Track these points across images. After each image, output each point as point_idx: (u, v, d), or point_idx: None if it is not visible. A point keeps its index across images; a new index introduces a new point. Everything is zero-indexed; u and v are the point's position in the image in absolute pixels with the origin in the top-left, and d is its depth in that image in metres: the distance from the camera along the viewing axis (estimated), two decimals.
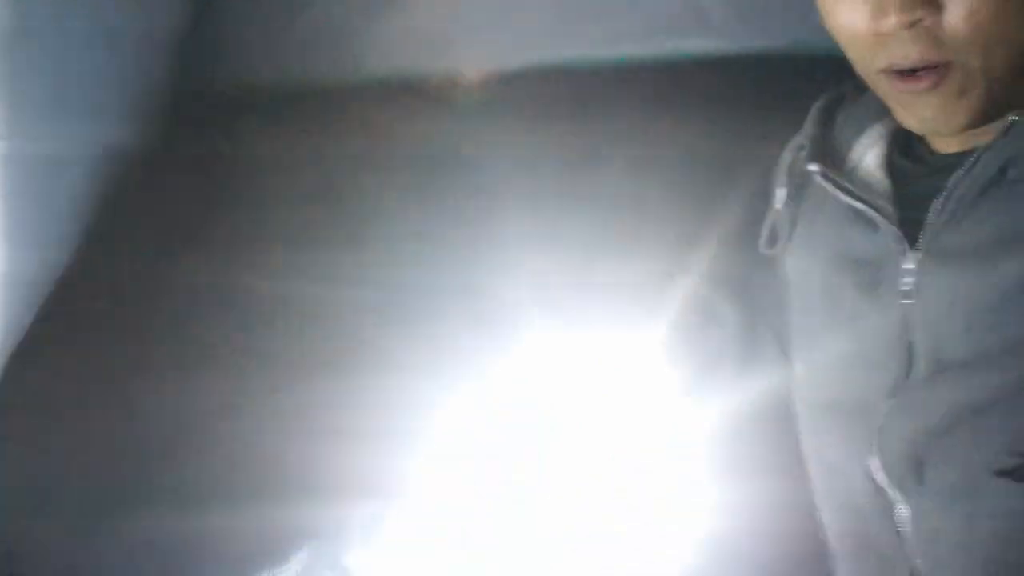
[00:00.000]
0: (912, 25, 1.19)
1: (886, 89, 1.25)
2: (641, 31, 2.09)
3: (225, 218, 1.86)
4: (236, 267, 1.74)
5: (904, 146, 1.34)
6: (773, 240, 1.43)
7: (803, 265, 1.40)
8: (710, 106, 2.01)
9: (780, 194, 1.42)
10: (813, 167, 1.35)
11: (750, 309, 1.50)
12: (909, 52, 1.20)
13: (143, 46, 1.85)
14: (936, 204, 1.24)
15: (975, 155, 1.22)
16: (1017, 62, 1.20)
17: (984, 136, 1.23)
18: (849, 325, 1.31)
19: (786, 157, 1.44)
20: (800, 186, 1.41)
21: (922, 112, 1.23)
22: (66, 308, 1.72)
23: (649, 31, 2.09)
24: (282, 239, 1.78)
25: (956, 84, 1.20)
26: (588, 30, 2.09)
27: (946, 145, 1.29)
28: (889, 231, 1.27)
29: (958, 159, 1.25)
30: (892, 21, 1.19)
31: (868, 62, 1.24)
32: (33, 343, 1.70)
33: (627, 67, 2.10)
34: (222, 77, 2.06)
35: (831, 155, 1.37)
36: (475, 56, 2.08)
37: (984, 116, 1.23)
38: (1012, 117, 1.21)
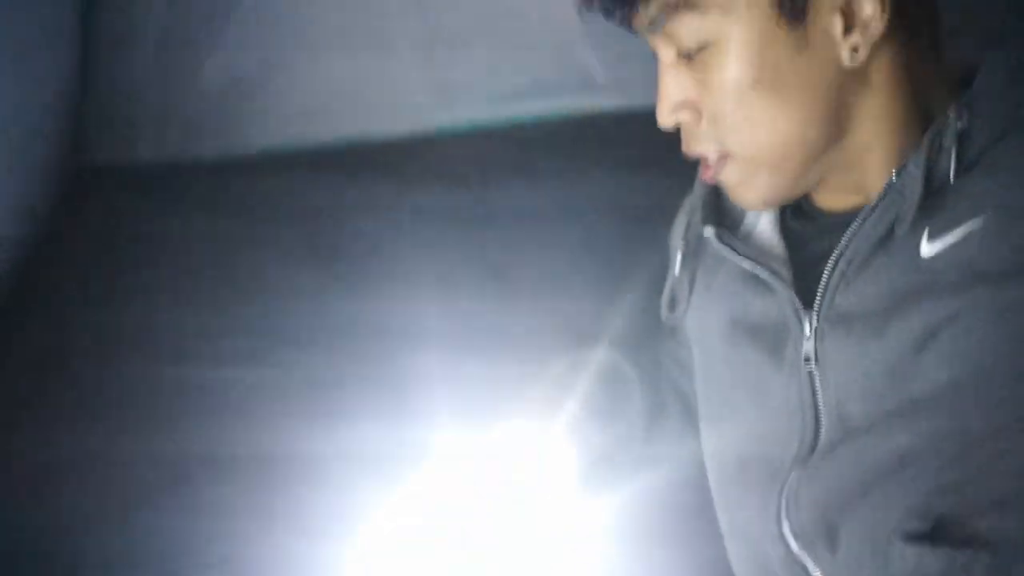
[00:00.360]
0: (675, 126, 1.27)
1: None
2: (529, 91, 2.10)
3: (115, 296, 1.83)
4: (127, 349, 1.71)
5: (795, 206, 1.35)
6: (673, 305, 1.44)
7: (703, 330, 1.40)
8: (607, 166, 2.02)
9: (676, 258, 1.43)
10: (708, 231, 1.35)
11: (657, 376, 1.50)
12: (688, 145, 1.28)
13: (26, 127, 1.82)
14: (828, 266, 1.25)
15: (861, 215, 1.23)
16: (789, 149, 1.24)
17: (865, 191, 1.25)
18: (753, 390, 1.31)
19: (680, 220, 1.45)
20: (696, 249, 1.42)
21: (733, 195, 1.30)
22: None
23: (535, 90, 2.11)
24: (173, 319, 1.76)
25: (736, 174, 1.27)
26: (475, 92, 2.10)
27: (831, 203, 1.31)
28: (785, 295, 1.28)
29: (846, 217, 1.25)
30: (660, 120, 1.27)
31: None
32: None
33: (516, 127, 2.12)
34: (108, 155, 2.04)
35: (726, 217, 1.38)
36: (357, 124, 2.08)
37: (793, 193, 1.28)
38: (893, 176, 1.22)
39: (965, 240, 1.17)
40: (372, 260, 1.85)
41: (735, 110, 1.23)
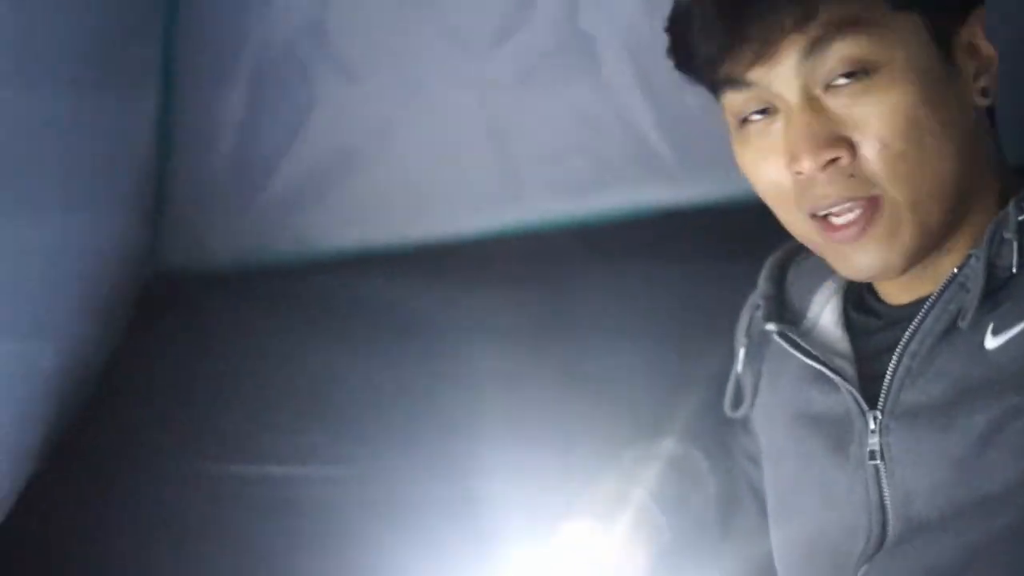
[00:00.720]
0: (826, 166, 1.19)
1: (818, 241, 1.25)
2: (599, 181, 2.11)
3: (195, 399, 1.85)
4: (209, 448, 1.72)
5: (858, 298, 1.35)
6: (737, 403, 1.43)
7: (770, 425, 1.39)
8: (675, 259, 2.02)
9: (739, 355, 1.42)
10: (770, 327, 1.35)
11: (730, 468, 1.49)
12: (829, 192, 1.20)
13: (104, 232, 1.86)
14: (892, 361, 1.23)
15: (924, 308, 1.22)
16: (944, 192, 1.20)
17: (931, 283, 1.23)
18: (820, 486, 1.29)
19: (744, 316, 1.44)
20: (760, 345, 1.41)
21: (857, 260, 1.23)
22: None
23: (605, 180, 2.12)
24: (251, 419, 1.77)
25: (885, 224, 1.20)
26: (544, 184, 2.11)
27: (895, 295, 1.29)
28: (848, 392, 1.27)
29: (910, 310, 1.24)
30: (807, 163, 1.19)
31: (795, 215, 1.24)
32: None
33: (586, 221, 2.12)
34: (183, 259, 2.07)
35: (788, 312, 1.37)
36: (429, 223, 2.09)
37: (920, 256, 1.23)
38: (953, 270, 1.21)
39: None
40: (442, 359, 1.84)
41: (902, 138, 1.17)
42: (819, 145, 1.18)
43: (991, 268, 1.19)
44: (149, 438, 1.75)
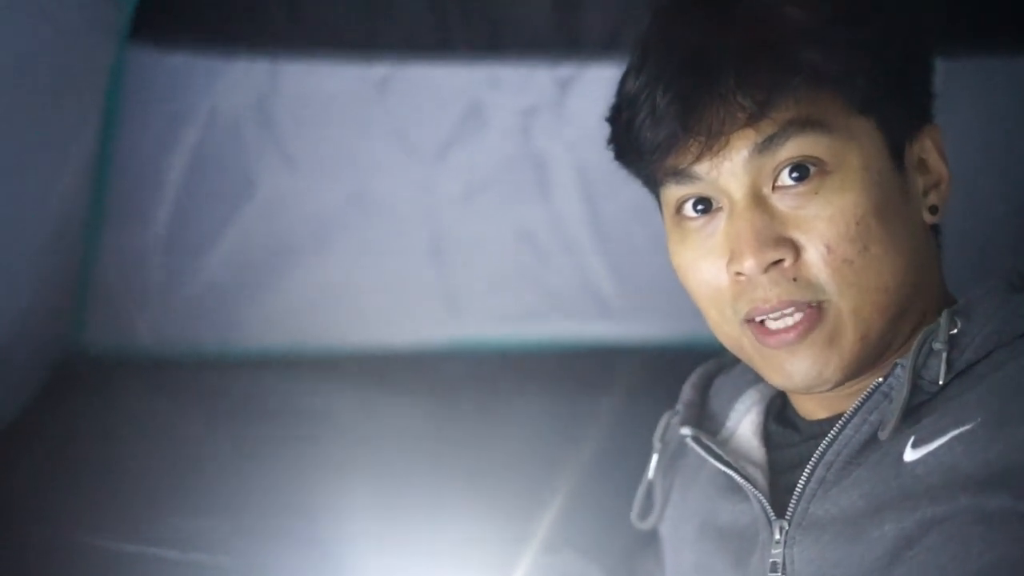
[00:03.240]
0: (768, 268, 1.15)
1: (752, 347, 1.20)
2: (539, 311, 2.08)
3: (88, 477, 1.78)
4: (91, 524, 1.65)
5: (779, 412, 1.30)
6: (645, 512, 1.37)
7: (676, 538, 1.34)
8: (608, 395, 1.98)
9: (652, 461, 1.36)
10: (686, 431, 1.29)
11: None
12: (769, 295, 1.16)
13: (24, 299, 1.80)
14: (806, 470, 1.18)
15: (845, 416, 1.17)
16: (887, 303, 1.16)
17: (854, 399, 1.18)
18: None
19: (661, 422, 1.39)
20: (675, 454, 1.36)
21: (792, 368, 1.18)
22: None
23: (546, 311, 2.09)
24: (138, 501, 1.70)
25: (825, 332, 1.16)
26: (485, 307, 2.08)
27: (816, 411, 1.25)
28: (756, 500, 1.21)
29: (829, 424, 1.20)
30: (749, 264, 1.15)
31: (728, 318, 1.19)
32: None
33: (522, 349, 2.09)
34: (103, 342, 2.02)
35: (707, 421, 1.32)
36: (362, 332, 2.05)
37: (856, 370, 1.18)
38: (877, 380, 1.16)
39: (949, 445, 1.11)
40: (350, 466, 1.80)
41: (849, 244, 1.14)
42: (763, 245, 1.15)
43: (917, 380, 1.15)
44: (36, 508, 1.67)
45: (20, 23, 1.56)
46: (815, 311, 1.15)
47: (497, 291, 2.08)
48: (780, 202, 1.16)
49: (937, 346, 1.14)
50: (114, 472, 1.79)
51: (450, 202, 2.02)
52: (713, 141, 1.15)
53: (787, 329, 1.16)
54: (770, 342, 1.17)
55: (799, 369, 1.17)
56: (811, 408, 1.25)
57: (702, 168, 1.17)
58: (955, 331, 1.15)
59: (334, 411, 1.97)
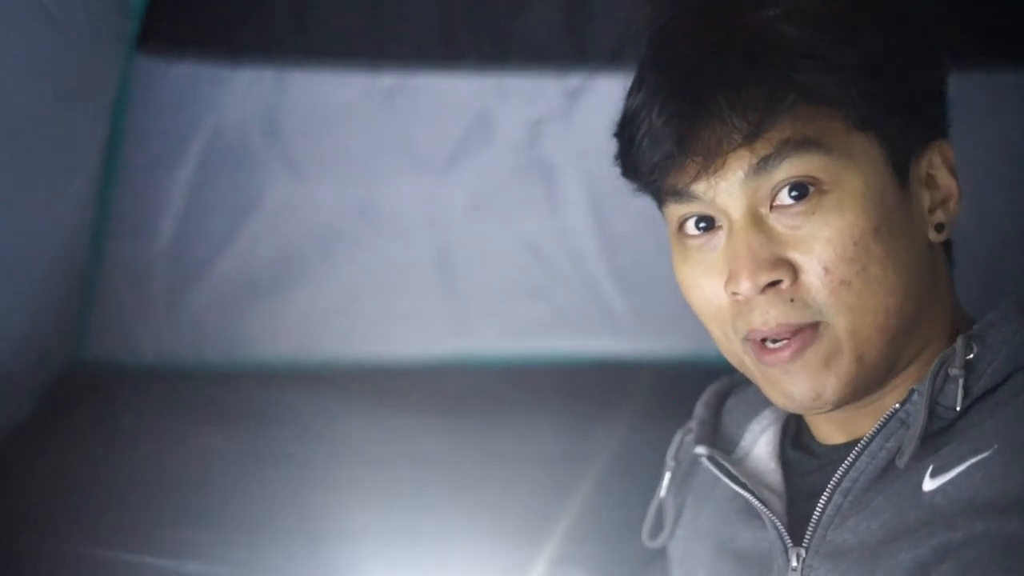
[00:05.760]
0: (766, 289, 1.14)
1: (753, 365, 1.18)
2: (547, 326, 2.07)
3: (88, 486, 1.77)
4: (87, 533, 1.64)
5: (795, 436, 1.28)
6: (656, 531, 1.35)
7: (688, 558, 1.31)
8: (614, 411, 1.97)
9: (664, 479, 1.35)
10: (700, 450, 1.27)
11: None
12: (767, 317, 1.14)
13: (25, 324, 1.79)
14: (823, 498, 1.17)
15: (861, 444, 1.15)
16: (887, 325, 1.14)
17: (870, 423, 1.17)
18: None
19: (675, 440, 1.37)
20: (688, 473, 1.34)
21: (789, 388, 1.16)
22: None
23: (554, 325, 2.07)
24: (138, 511, 1.69)
25: (821, 351, 1.14)
26: (491, 320, 2.07)
27: (832, 435, 1.23)
28: (773, 526, 1.19)
29: (847, 450, 1.18)
30: (745, 285, 1.13)
31: (731, 337, 1.18)
32: None
33: (530, 364, 2.08)
34: (107, 352, 2.01)
35: (721, 439, 1.30)
36: (367, 344, 2.04)
37: (856, 392, 1.16)
38: (894, 406, 1.15)
39: (967, 473, 1.09)
40: (348, 479, 1.78)
41: (847, 265, 1.12)
42: (759, 267, 1.13)
43: (933, 406, 1.13)
44: (37, 518, 1.66)
45: (30, 31, 1.55)
46: (811, 331, 1.14)
47: (504, 304, 2.07)
48: (778, 222, 1.14)
49: (954, 372, 1.13)
50: (116, 482, 1.78)
51: (457, 213, 2.01)
52: (709, 161, 1.14)
53: (782, 348, 1.15)
54: (767, 360, 1.16)
55: (795, 389, 1.16)
56: (827, 432, 1.24)
57: (699, 188, 1.16)
58: (971, 356, 1.13)
59: (338, 423, 1.96)
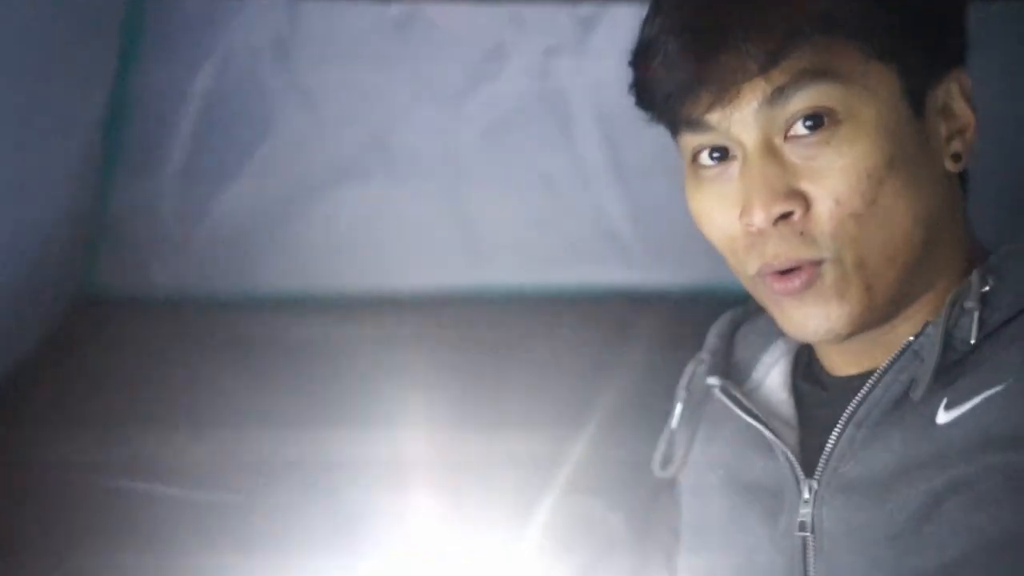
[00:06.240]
0: (778, 221, 1.13)
1: (766, 295, 1.18)
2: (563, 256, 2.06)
3: (98, 415, 1.77)
4: (98, 460, 1.65)
5: (806, 367, 1.27)
6: (667, 461, 1.35)
7: (699, 488, 1.31)
8: (626, 342, 1.97)
9: (676, 410, 1.34)
10: (712, 380, 1.27)
11: (643, 532, 1.41)
12: (779, 251, 1.13)
13: (38, 241, 1.79)
14: (835, 430, 1.16)
15: (875, 376, 1.15)
16: (898, 256, 1.14)
17: (883, 354, 1.16)
18: (744, 555, 1.21)
19: (687, 370, 1.36)
20: (699, 403, 1.33)
21: (801, 318, 1.15)
22: None
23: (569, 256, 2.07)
24: (147, 438, 1.70)
25: (830, 283, 1.13)
26: (504, 252, 2.06)
27: (844, 366, 1.22)
28: (785, 458, 1.19)
29: (860, 382, 1.17)
30: (759, 217, 1.12)
31: (745, 268, 1.17)
32: None
33: (547, 294, 2.07)
34: (120, 281, 2.00)
35: (733, 370, 1.30)
36: (380, 274, 2.03)
37: (869, 322, 1.16)
38: (909, 338, 1.14)
39: (982, 406, 1.09)
40: (354, 406, 1.79)
41: (858, 196, 1.11)
42: (773, 198, 1.12)
43: (948, 339, 1.12)
44: (47, 446, 1.68)
45: None
46: (819, 266, 1.13)
47: (517, 236, 2.06)
48: (792, 152, 1.13)
49: (969, 304, 1.12)
50: (126, 412, 1.79)
51: (471, 145, 1.99)
52: (723, 91, 1.13)
53: (792, 277, 1.14)
54: (778, 288, 1.15)
55: (806, 320, 1.15)
56: (839, 363, 1.23)
57: (714, 117, 1.15)
58: (986, 289, 1.13)
59: (350, 354, 1.96)
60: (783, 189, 1.12)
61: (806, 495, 1.16)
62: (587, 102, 1.97)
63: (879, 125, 1.12)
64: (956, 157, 1.17)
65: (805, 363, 1.28)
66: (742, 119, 1.13)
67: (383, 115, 1.97)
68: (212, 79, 1.91)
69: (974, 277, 1.13)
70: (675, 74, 1.14)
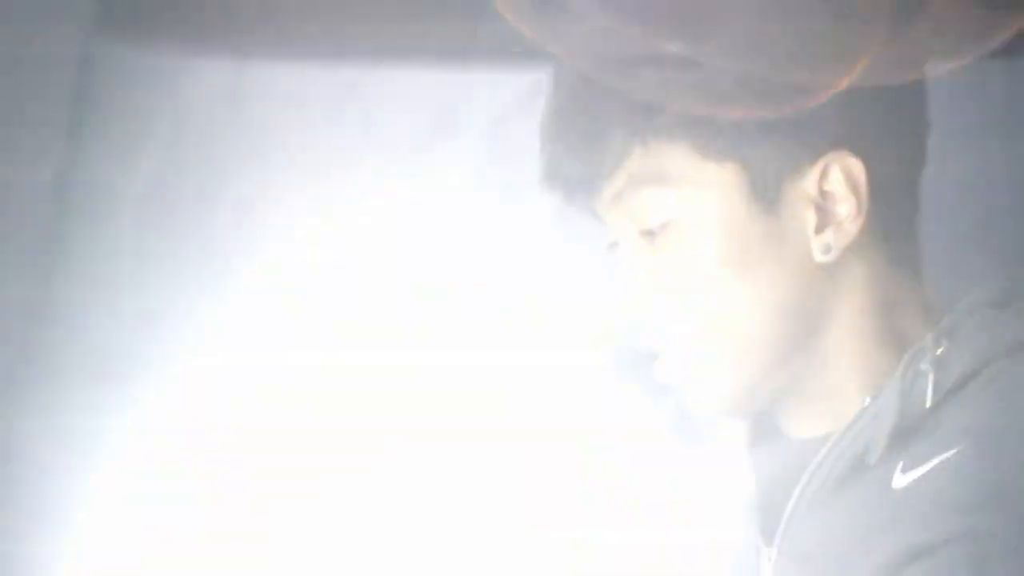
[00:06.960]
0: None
1: None
2: None
3: None
4: None
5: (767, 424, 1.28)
6: None
7: None
8: None
9: None
10: None
11: None
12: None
13: None
14: (792, 499, 1.17)
15: (831, 443, 1.15)
16: (760, 331, 1.16)
17: (838, 416, 1.16)
18: None
19: None
20: None
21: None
22: None
23: None
24: None
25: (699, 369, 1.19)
26: None
27: (800, 428, 1.22)
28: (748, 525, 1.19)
29: (816, 445, 1.17)
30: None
31: None
32: None
33: None
34: None
35: None
36: None
37: (748, 400, 1.20)
38: (867, 399, 1.15)
39: (938, 469, 1.09)
40: None
41: (700, 290, 1.16)
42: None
43: (904, 402, 1.13)
44: None
45: None
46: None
47: None
48: (650, 249, 1.18)
49: (923, 367, 1.13)
50: None
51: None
52: (581, 192, 1.18)
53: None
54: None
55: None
56: (795, 424, 1.23)
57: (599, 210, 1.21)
58: (940, 351, 1.13)
59: None
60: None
61: (766, 563, 1.16)
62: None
63: (713, 225, 1.15)
64: (827, 248, 1.16)
65: (766, 425, 1.28)
66: (608, 215, 1.19)
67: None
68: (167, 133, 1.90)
69: (928, 340, 1.14)
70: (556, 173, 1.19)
